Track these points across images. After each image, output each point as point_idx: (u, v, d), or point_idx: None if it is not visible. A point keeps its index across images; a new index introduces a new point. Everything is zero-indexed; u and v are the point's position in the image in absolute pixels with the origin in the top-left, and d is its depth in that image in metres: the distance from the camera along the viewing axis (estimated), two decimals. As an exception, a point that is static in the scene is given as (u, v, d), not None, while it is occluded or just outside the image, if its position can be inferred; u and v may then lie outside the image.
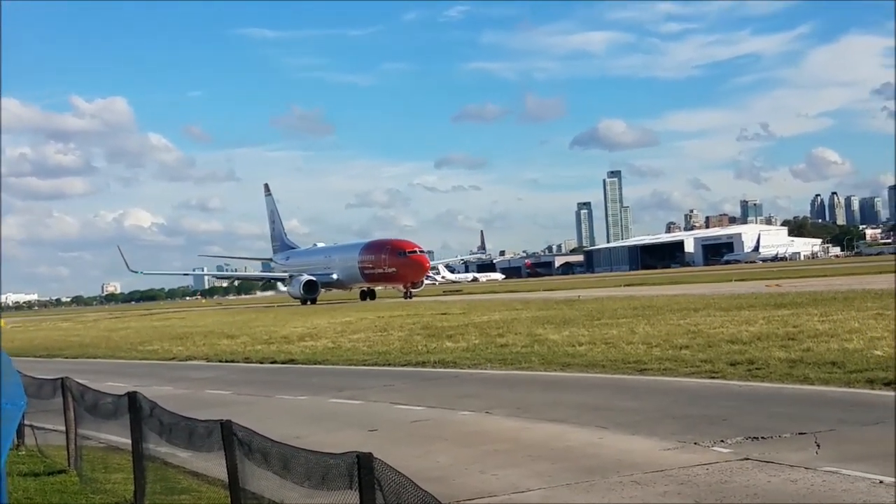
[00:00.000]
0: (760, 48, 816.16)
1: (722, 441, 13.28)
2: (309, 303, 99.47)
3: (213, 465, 9.62)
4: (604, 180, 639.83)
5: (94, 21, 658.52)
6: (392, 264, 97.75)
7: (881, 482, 10.57)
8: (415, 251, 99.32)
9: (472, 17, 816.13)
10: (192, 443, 9.31)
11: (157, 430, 10.32)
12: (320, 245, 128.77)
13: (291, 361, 31.90)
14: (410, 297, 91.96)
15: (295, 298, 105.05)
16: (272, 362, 32.45)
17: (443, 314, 50.07)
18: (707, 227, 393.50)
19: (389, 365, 27.99)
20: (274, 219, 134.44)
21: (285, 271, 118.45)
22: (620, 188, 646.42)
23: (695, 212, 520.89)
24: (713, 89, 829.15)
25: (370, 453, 5.92)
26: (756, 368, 20.12)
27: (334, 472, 6.20)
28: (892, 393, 16.31)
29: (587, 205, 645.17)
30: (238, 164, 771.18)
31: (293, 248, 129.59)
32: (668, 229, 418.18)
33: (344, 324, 48.60)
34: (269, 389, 24.28)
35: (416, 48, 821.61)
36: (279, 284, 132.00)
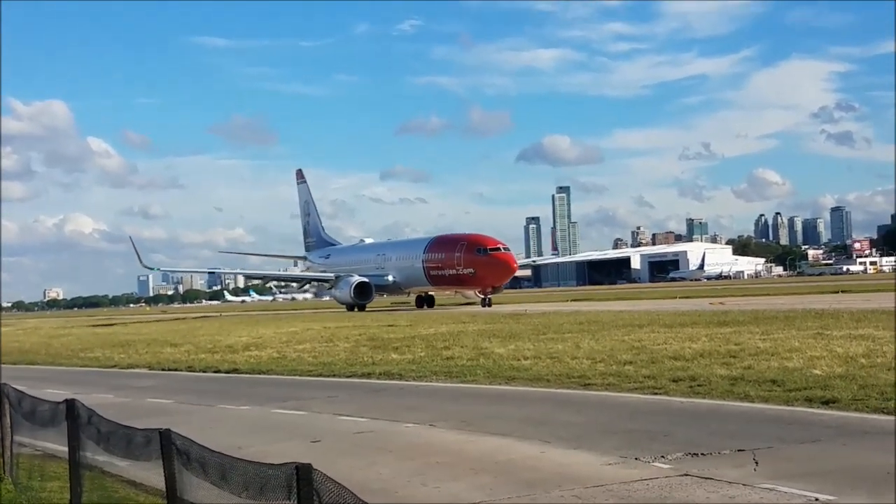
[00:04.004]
0: (706, 70, 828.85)
1: (663, 457, 13.39)
2: (357, 309, 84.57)
3: (152, 474, 9.50)
4: (553, 196, 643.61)
5: (35, 22, 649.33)
6: (469, 264, 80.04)
7: (817, 500, 10.72)
8: (498, 248, 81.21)
9: (424, 31, 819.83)
10: (130, 451, 9.18)
11: (95, 439, 10.17)
12: (368, 241, 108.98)
13: (235, 371, 31.64)
14: (489, 305, 75.53)
15: (342, 303, 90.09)
16: (216, 371, 32.17)
17: (389, 326, 49.97)
18: (653, 244, 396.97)
19: (334, 376, 27.87)
20: (309, 210, 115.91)
21: (324, 271, 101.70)
22: (569, 204, 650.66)
23: (641, 229, 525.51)
24: (660, 109, 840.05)
25: (309, 464, 5.89)
26: (698, 385, 20.29)
27: (273, 483, 6.14)
28: (832, 412, 16.57)
29: (536, 219, 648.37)
30: (185, 172, 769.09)
31: (333, 245, 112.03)
32: (616, 245, 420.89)
33: (290, 334, 48.29)
34: (212, 399, 24.06)
35: (368, 61, 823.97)
36: (309, 286, 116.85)
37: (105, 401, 23.04)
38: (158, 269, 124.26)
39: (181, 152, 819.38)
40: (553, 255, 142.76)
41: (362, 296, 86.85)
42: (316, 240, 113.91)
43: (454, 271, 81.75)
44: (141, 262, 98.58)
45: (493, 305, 75.04)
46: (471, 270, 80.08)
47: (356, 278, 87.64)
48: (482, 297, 79.38)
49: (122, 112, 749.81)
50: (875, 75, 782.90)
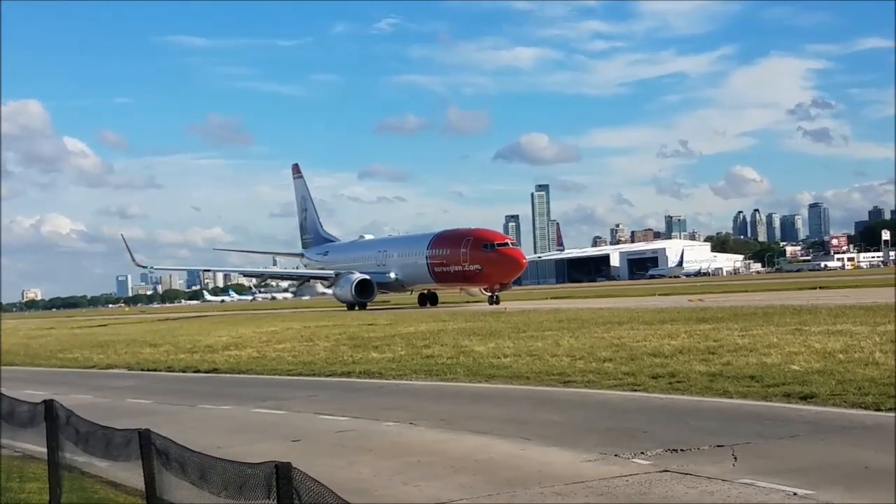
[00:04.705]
0: (685, 68, 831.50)
1: (642, 453, 13.44)
2: (357, 308, 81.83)
3: (131, 474, 9.48)
4: (532, 194, 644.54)
5: (10, 22, 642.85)
6: (475, 260, 76.45)
7: (795, 494, 10.79)
8: (506, 243, 78.99)
9: (403, 30, 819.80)
10: (109, 452, 9.16)
11: (74, 440, 10.13)
12: (368, 237, 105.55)
13: (215, 371, 31.55)
14: (497, 303, 71.72)
15: (342, 302, 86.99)
16: (195, 371, 32.07)
17: (369, 325, 49.92)
18: (633, 241, 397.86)
19: (315, 375, 27.83)
20: (306, 206, 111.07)
21: (323, 268, 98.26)
22: (548, 202, 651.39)
23: (620, 226, 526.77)
24: (638, 107, 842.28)
25: (289, 463, 5.89)
26: (677, 381, 20.38)
27: (252, 482, 6.13)
28: (810, 407, 16.68)
29: (515, 217, 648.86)
30: (162, 172, 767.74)
31: (332, 241, 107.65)
32: (595, 243, 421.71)
33: (269, 333, 48.21)
34: (192, 399, 23.98)
35: (346, 60, 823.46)
36: (318, 284, 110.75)
37: (84, 401, 22.94)
38: (152, 268, 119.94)
39: (158, 152, 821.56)
40: (558, 250, 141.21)
41: (364, 294, 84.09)
42: (314, 236, 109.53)
43: (460, 268, 78.36)
44: (134, 260, 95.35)
45: (501, 303, 71.50)
46: (477, 267, 76.63)
47: (357, 276, 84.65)
48: (489, 294, 76.20)
49: (99, 112, 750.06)
50: (852, 73, 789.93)
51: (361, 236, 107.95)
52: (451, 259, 79.26)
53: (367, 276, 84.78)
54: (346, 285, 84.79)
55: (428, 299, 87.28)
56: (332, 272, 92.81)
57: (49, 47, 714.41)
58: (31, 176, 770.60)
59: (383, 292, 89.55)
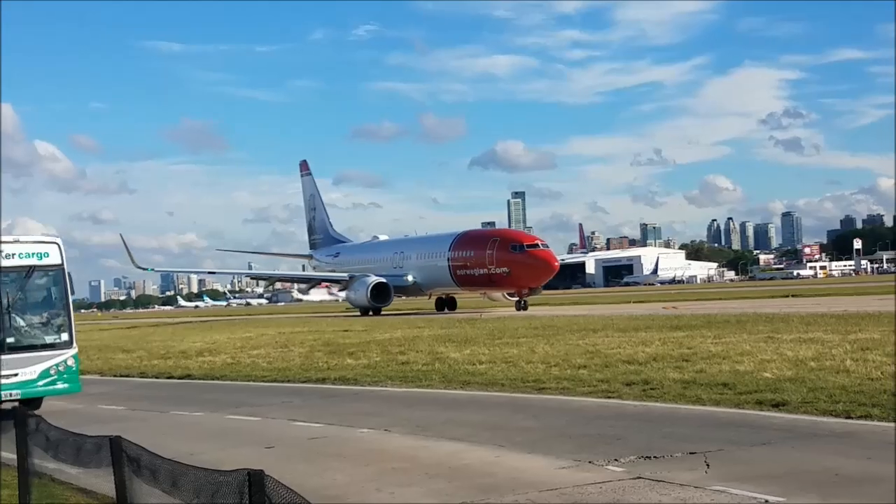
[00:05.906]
0: (660, 77, 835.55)
1: (616, 460, 13.49)
2: (372, 313, 76.43)
3: (102, 481, 9.42)
4: (508, 201, 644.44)
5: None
6: (503, 262, 70.37)
7: (767, 501, 10.86)
8: (536, 244, 71.66)
9: (381, 37, 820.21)
10: (80, 459, 9.11)
11: (44, 446, 10.06)
12: (383, 237, 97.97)
13: (188, 377, 31.41)
14: (525, 308, 67.31)
15: (356, 306, 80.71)
16: (168, 377, 31.93)
17: (345, 331, 49.77)
18: (608, 249, 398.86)
19: (289, 381, 27.76)
20: (314, 204, 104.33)
21: (333, 270, 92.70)
22: (524, 209, 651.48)
23: (596, 234, 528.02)
24: (614, 116, 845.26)
25: (261, 470, 5.86)
26: (651, 389, 20.46)
27: (224, 490, 6.11)
28: (782, 415, 16.79)
29: (491, 224, 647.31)
30: (136, 177, 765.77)
31: (342, 242, 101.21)
32: (570, 250, 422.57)
33: (244, 339, 47.98)
34: (165, 405, 23.86)
35: (323, 67, 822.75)
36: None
37: (56, 407, 22.74)
38: (153, 270, 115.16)
39: (132, 157, 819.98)
40: (582, 252, 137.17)
41: (380, 298, 77.88)
42: (323, 237, 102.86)
43: (485, 271, 72.22)
44: (134, 262, 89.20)
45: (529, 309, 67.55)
46: (505, 270, 70.57)
47: (373, 279, 78.44)
48: (517, 299, 70.59)
49: (72, 116, 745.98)
50: (825, 83, 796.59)
51: (375, 236, 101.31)
52: (476, 261, 73.36)
53: (384, 280, 78.78)
54: (360, 289, 78.64)
55: (446, 304, 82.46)
56: (344, 275, 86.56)
57: (22, 50, 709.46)
58: (2, 180, 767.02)
59: (400, 296, 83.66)
